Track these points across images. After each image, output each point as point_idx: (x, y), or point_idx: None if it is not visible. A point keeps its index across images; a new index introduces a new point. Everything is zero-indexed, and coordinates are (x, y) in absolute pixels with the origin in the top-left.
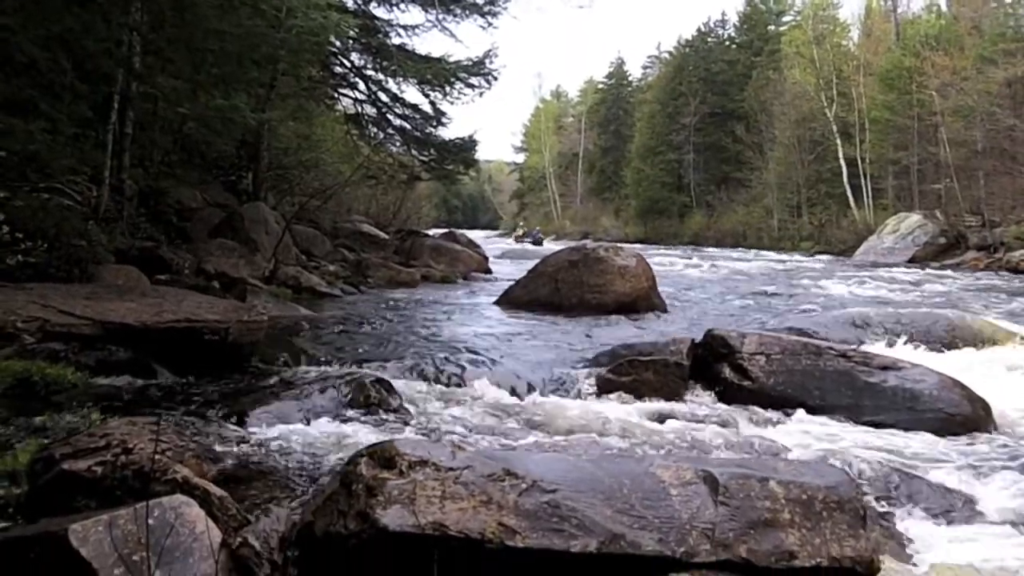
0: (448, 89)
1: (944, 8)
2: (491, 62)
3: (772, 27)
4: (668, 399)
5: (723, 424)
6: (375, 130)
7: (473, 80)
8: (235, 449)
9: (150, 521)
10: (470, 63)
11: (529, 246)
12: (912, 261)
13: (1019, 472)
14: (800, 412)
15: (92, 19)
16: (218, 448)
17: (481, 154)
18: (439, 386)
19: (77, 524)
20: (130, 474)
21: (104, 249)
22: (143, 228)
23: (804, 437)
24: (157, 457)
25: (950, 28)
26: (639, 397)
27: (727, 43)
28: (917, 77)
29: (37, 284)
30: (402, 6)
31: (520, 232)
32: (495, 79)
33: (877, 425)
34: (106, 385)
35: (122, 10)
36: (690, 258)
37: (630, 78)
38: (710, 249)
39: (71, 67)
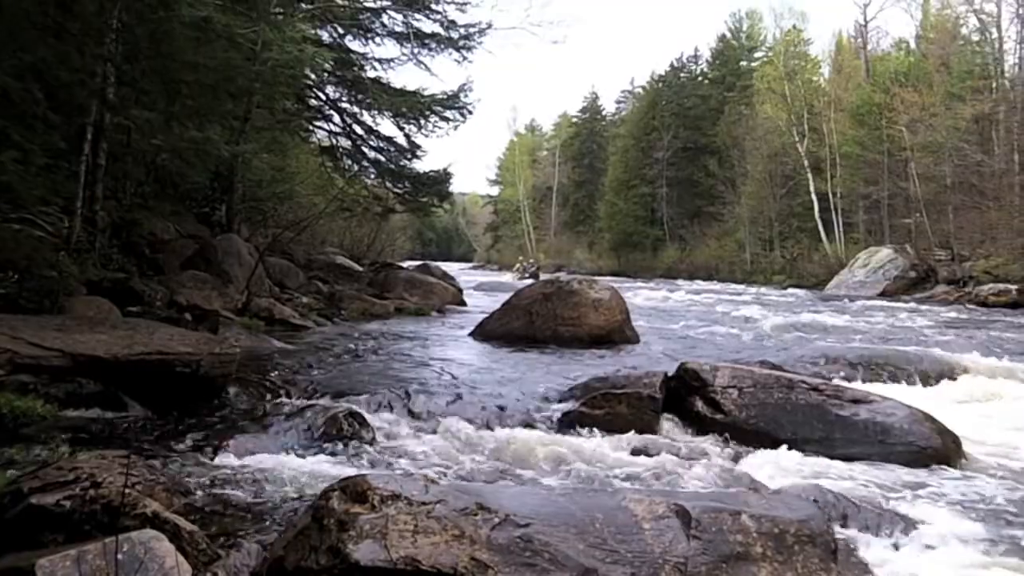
0: (423, 122)
1: (913, 45)
2: (466, 96)
3: (744, 63)
4: (641, 432)
5: (696, 457)
6: (350, 162)
7: (448, 113)
8: (206, 483)
9: (119, 556)
10: (445, 96)
11: (509, 279)
12: (883, 295)
13: (988, 505)
14: (772, 445)
15: (66, 50)
16: (189, 482)
17: (456, 187)
18: (412, 419)
19: (44, 559)
20: (99, 508)
21: (75, 280)
22: (115, 259)
23: (776, 470)
24: (127, 491)
25: (919, 65)
26: (612, 430)
27: (700, 78)
28: (887, 113)
29: (7, 315)
30: (377, 40)
31: (521, 267)
32: (470, 112)
33: (848, 458)
34: (76, 418)
35: (97, 41)
36: (663, 291)
37: (604, 112)
38: (683, 282)
39: (44, 97)
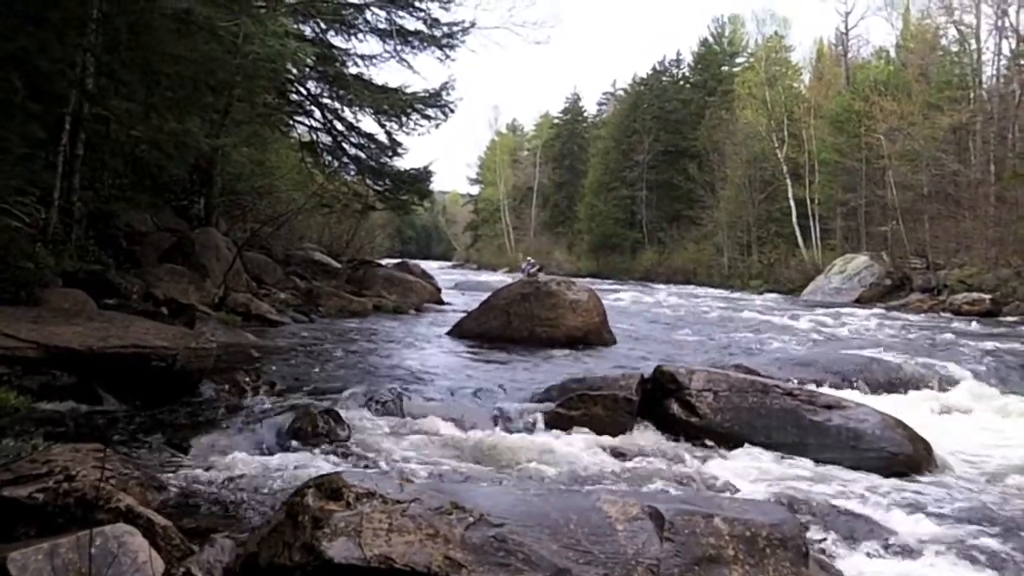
0: (404, 119)
1: (893, 55)
2: (448, 94)
3: (725, 68)
4: (616, 434)
5: (670, 460)
6: (330, 158)
7: (429, 111)
8: (181, 478)
9: (92, 550)
10: (427, 94)
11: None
12: (858, 301)
13: (958, 511)
14: (746, 448)
15: (46, 39)
16: (164, 477)
17: (436, 185)
18: (388, 418)
19: (17, 552)
20: (72, 502)
21: (51, 272)
22: (91, 251)
23: (750, 474)
24: (101, 485)
25: (898, 74)
26: (588, 431)
27: (681, 82)
28: (866, 121)
29: None
30: (360, 36)
31: (527, 265)
32: (452, 111)
33: (821, 463)
34: (50, 410)
35: (77, 31)
36: (641, 294)
37: (585, 114)
38: (661, 285)
39: (23, 86)
